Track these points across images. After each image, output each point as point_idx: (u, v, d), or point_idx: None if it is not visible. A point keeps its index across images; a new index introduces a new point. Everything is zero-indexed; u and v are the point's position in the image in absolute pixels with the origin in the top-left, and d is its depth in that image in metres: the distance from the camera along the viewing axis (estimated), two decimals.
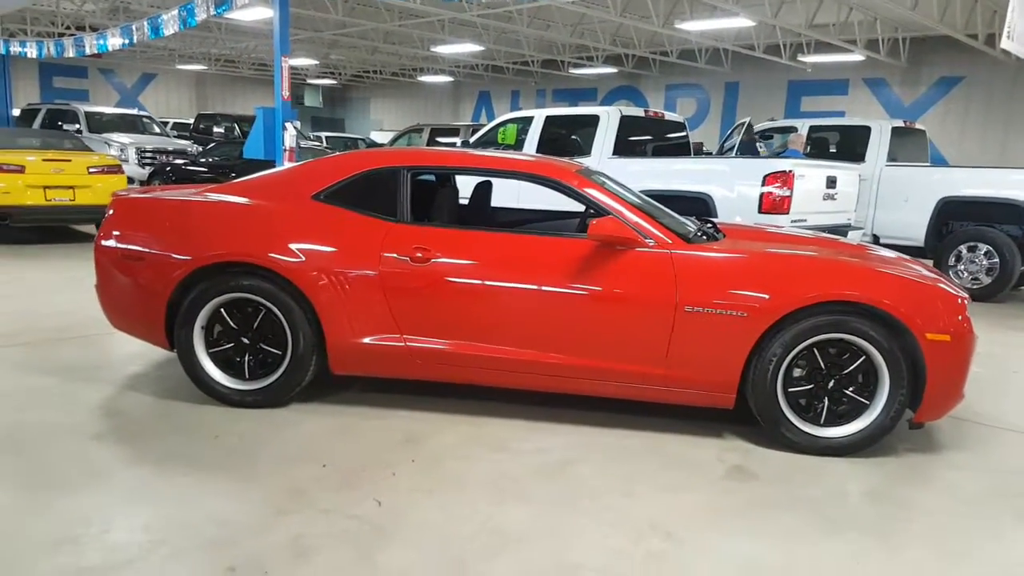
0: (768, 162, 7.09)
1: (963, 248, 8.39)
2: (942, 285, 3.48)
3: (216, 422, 3.54)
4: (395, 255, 3.59)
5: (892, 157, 9.29)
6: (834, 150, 10.11)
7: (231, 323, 3.72)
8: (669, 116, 8.99)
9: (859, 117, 14.09)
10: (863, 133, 9.53)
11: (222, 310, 3.71)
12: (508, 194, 7.14)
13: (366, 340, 3.64)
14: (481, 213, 4.85)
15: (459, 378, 3.70)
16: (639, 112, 8.54)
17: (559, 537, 2.62)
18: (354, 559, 2.44)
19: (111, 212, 3.89)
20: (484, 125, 15.88)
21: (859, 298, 3.31)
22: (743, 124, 9.02)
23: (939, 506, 3.02)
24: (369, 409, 3.81)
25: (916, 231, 8.76)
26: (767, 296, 3.36)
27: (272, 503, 2.78)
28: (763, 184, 6.86)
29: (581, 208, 4.75)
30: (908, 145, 9.85)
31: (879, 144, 9.30)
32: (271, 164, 8.60)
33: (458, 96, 31.55)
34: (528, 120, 8.83)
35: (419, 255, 3.58)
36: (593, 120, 8.26)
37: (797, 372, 3.46)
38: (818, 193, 7.28)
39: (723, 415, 3.80)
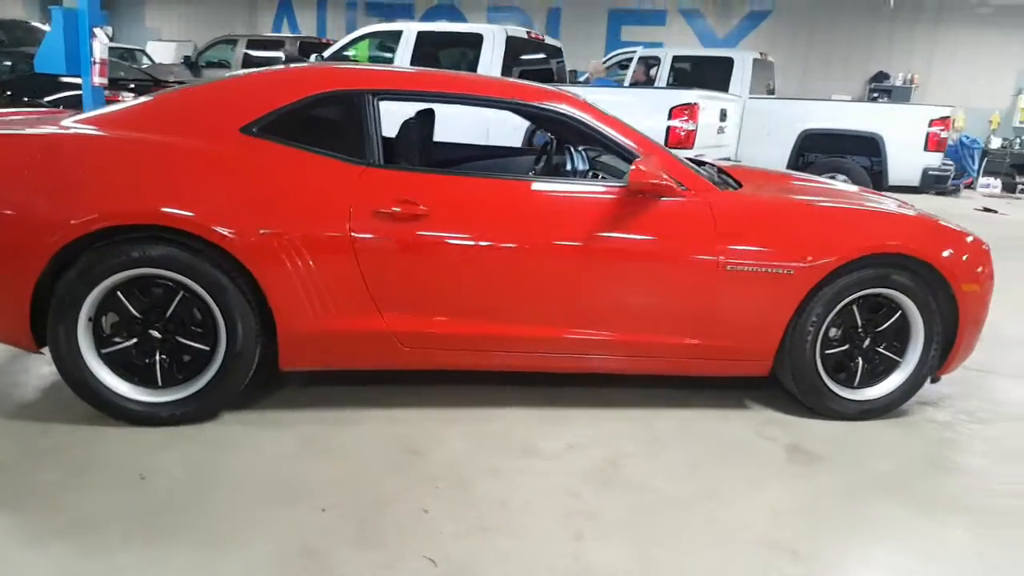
0: (674, 94, 6.75)
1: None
2: (970, 233, 3.27)
3: (129, 454, 2.53)
4: (373, 210, 2.71)
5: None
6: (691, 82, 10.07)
7: (132, 311, 2.65)
8: (549, 40, 8.35)
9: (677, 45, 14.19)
10: (725, 64, 9.53)
11: (118, 293, 2.63)
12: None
13: (330, 324, 2.76)
14: (420, 151, 3.98)
15: (458, 364, 2.96)
16: (523, 33, 7.81)
17: (673, 570, 2.07)
18: None
19: None
20: (314, 38, 14.22)
21: (905, 249, 3.00)
22: (633, 54, 8.61)
23: (1006, 469, 2.84)
24: (328, 412, 2.95)
25: (778, 163, 8.96)
26: (816, 249, 2.94)
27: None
28: (669, 117, 6.51)
29: (522, 144, 4.05)
30: (760, 77, 10.03)
31: (742, 76, 9.35)
32: (72, 83, 6.83)
33: (254, 4, 28.35)
34: (395, 36, 7.77)
35: (403, 209, 2.73)
36: (475, 39, 7.41)
37: (832, 332, 3.12)
38: (714, 127, 7.10)
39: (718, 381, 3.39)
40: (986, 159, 14.79)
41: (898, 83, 16.61)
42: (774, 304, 2.97)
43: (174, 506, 2.24)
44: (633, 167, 2.77)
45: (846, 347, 3.13)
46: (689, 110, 6.44)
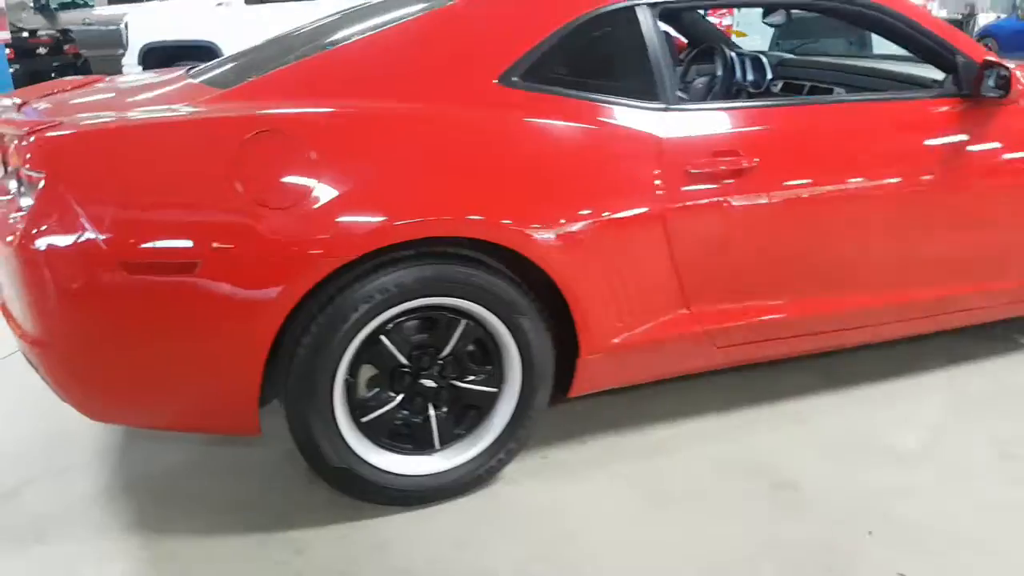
0: None
1: None
2: None
3: (448, 562, 1.79)
4: (685, 170, 1.99)
5: None
6: None
7: (400, 358, 1.85)
8: None
9: None
10: None
11: (382, 338, 1.82)
12: None
13: (636, 332, 2.07)
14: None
15: (773, 355, 2.36)
16: None
17: None
18: None
19: (47, 174, 1.58)
20: None
21: None
22: None
23: None
24: (616, 438, 2.28)
25: None
26: None
27: None
28: None
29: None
30: None
31: None
32: None
33: None
34: None
35: (724, 166, 2.03)
36: None
37: None
38: None
39: None
40: None
41: None
42: None
43: None
44: (1012, 68, 2.19)
45: None
46: None
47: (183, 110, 1.77)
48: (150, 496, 2.01)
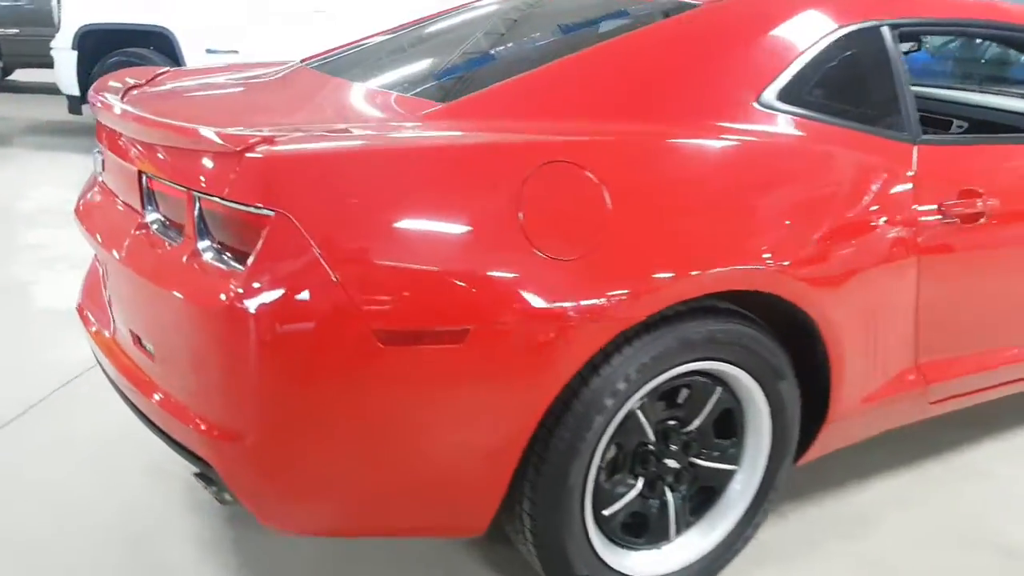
0: None
1: None
2: None
3: None
4: (937, 206, 1.74)
5: None
6: None
7: (650, 435, 1.51)
8: None
9: None
10: None
11: (639, 412, 1.47)
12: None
13: (871, 391, 1.80)
14: None
15: (964, 406, 2.14)
16: None
17: None
18: None
19: (279, 211, 1.13)
20: None
21: None
22: None
23: None
24: (778, 516, 2.02)
25: None
26: None
27: None
28: None
29: None
30: None
31: None
32: None
33: None
34: None
35: (969, 208, 1.80)
36: None
37: None
38: None
39: None
40: None
41: None
42: None
43: None
44: None
45: None
46: None
47: (420, 131, 1.36)
48: None
